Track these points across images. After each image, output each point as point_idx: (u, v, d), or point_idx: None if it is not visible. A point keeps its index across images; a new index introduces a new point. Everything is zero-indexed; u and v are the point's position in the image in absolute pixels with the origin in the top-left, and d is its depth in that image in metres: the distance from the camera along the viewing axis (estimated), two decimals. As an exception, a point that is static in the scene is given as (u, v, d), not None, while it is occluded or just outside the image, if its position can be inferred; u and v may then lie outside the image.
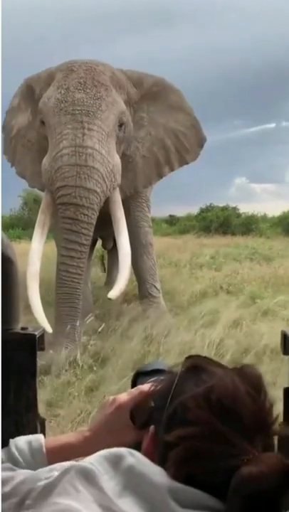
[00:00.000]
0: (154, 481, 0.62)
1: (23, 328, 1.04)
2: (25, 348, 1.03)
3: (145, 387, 0.86)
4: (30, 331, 1.03)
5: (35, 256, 4.70)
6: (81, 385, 3.81)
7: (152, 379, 0.88)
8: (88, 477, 0.62)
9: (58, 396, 3.66)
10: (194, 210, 24.74)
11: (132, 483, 0.62)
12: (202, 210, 24.40)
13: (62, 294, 4.69)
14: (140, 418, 0.83)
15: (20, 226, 20.63)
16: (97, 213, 4.70)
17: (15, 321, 1.04)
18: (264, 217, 23.96)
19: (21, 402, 1.09)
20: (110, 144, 4.80)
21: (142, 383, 0.91)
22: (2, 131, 5.98)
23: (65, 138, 4.60)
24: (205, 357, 0.77)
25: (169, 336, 4.89)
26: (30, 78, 5.61)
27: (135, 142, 5.48)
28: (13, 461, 0.81)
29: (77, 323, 4.63)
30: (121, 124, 5.02)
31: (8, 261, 0.99)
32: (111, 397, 0.89)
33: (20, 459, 0.82)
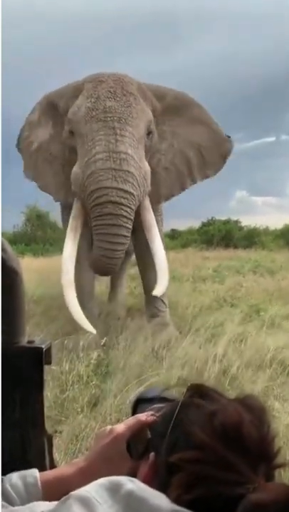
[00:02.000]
0: (155, 505, 0.60)
1: (29, 342, 1.04)
2: (32, 361, 1.02)
3: (142, 416, 0.86)
4: (37, 344, 1.03)
5: (68, 263, 4.78)
6: (84, 400, 3.77)
7: (152, 407, 0.88)
8: (87, 506, 0.61)
9: (61, 412, 3.63)
10: (196, 224, 24.80)
11: (132, 508, 0.61)
12: (204, 224, 24.46)
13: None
14: (137, 449, 0.82)
15: (24, 242, 20.71)
16: (134, 215, 4.70)
17: (21, 334, 1.03)
18: (266, 230, 23.98)
19: (27, 417, 1.07)
20: (141, 151, 4.86)
21: (143, 410, 0.90)
22: (17, 146, 5.99)
23: (98, 144, 4.64)
24: (207, 386, 0.76)
25: (173, 350, 4.86)
26: (51, 94, 5.69)
27: (158, 154, 5.54)
28: (6, 498, 0.79)
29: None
30: (149, 133, 5.10)
31: (13, 273, 0.99)
32: (108, 427, 0.88)
33: (15, 495, 0.80)
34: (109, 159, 4.57)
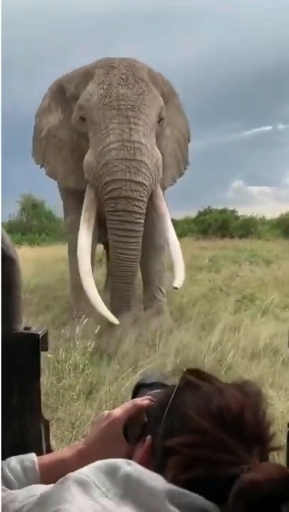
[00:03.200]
0: (153, 485, 0.62)
1: (26, 328, 1.04)
2: (29, 348, 1.03)
3: (139, 400, 0.87)
4: (33, 330, 1.03)
5: (84, 253, 4.87)
6: (81, 388, 3.80)
7: (151, 392, 0.90)
8: (85, 488, 0.62)
9: (58, 400, 3.66)
10: (192, 213, 24.73)
11: (130, 490, 0.62)
12: (200, 213, 24.39)
13: (122, 282, 4.98)
14: (134, 432, 0.84)
15: (19, 231, 20.62)
16: (146, 205, 4.82)
17: (17, 321, 1.04)
18: (262, 220, 23.93)
19: (25, 404, 1.08)
20: (153, 139, 4.92)
21: (142, 395, 0.91)
22: (33, 134, 5.99)
23: (112, 132, 4.67)
24: (204, 371, 0.77)
25: (169, 338, 4.89)
26: (60, 79, 5.67)
27: (164, 140, 5.61)
28: (5, 482, 0.81)
29: (134, 301, 5.18)
30: (160, 120, 5.14)
31: (10, 261, 0.99)
32: (106, 412, 0.90)
33: (13, 479, 0.81)
34: (123, 149, 4.62)
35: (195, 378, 0.74)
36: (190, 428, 0.66)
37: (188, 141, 6.21)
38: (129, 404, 0.88)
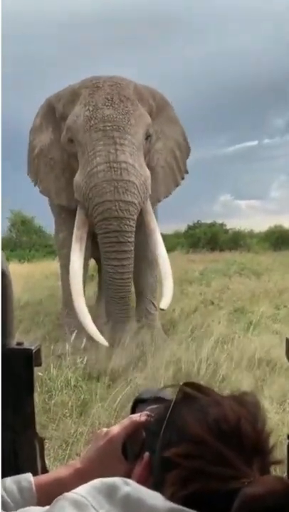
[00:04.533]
0: (152, 504, 0.60)
1: (18, 344, 1.03)
2: (22, 363, 1.01)
3: (137, 416, 0.86)
4: (26, 345, 1.02)
5: (77, 273, 4.92)
6: (74, 405, 3.75)
7: (149, 407, 0.88)
8: (81, 510, 0.60)
9: (49, 417, 3.60)
10: (182, 227, 24.89)
11: (130, 511, 0.60)
12: (190, 227, 24.58)
13: (118, 299, 5.01)
14: (133, 449, 0.83)
15: (9, 248, 20.52)
16: (136, 222, 4.89)
17: (10, 336, 1.02)
18: (251, 233, 24.18)
19: (18, 420, 1.06)
20: (140, 157, 4.97)
21: (140, 411, 0.90)
22: (28, 151, 6.03)
23: (99, 154, 4.73)
24: (200, 384, 0.76)
25: (161, 351, 4.86)
26: (51, 97, 5.73)
27: (156, 154, 5.65)
28: (1, 504, 0.79)
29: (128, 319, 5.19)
30: (147, 137, 5.18)
31: (2, 275, 0.98)
32: (104, 430, 0.88)
33: (9, 500, 0.79)
34: (110, 170, 4.68)
35: (192, 391, 0.73)
36: (187, 438, 0.65)
37: (188, 149, 6.21)
38: (126, 421, 0.87)
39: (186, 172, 6.19)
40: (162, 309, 5.10)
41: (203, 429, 0.65)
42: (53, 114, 5.60)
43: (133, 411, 0.98)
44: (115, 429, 0.86)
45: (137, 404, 0.98)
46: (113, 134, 4.76)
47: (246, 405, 0.69)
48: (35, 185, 5.90)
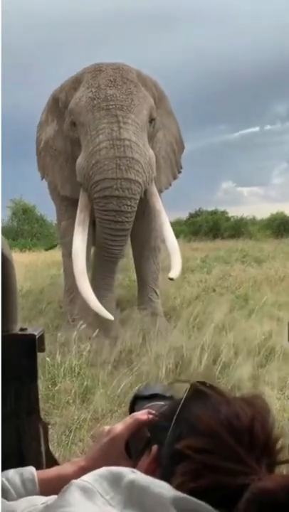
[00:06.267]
0: (158, 492, 0.60)
1: (22, 329, 1.03)
2: (25, 349, 1.02)
3: (140, 414, 0.87)
4: (29, 331, 1.02)
5: (79, 253, 4.87)
6: (77, 392, 3.78)
7: (149, 404, 0.89)
8: (89, 495, 0.61)
9: (53, 404, 3.64)
10: (183, 216, 24.81)
11: (135, 498, 0.61)
12: (191, 215, 24.49)
13: (104, 267, 5.12)
14: (136, 448, 0.83)
15: (10, 237, 20.50)
16: (138, 202, 4.82)
17: (13, 322, 1.03)
18: (253, 220, 24.08)
19: (22, 405, 1.07)
20: (144, 137, 4.90)
21: (140, 408, 0.91)
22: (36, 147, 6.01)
23: (102, 132, 4.66)
24: (211, 383, 0.77)
25: (163, 339, 4.89)
26: (55, 90, 5.69)
27: (158, 143, 5.60)
28: (3, 493, 0.79)
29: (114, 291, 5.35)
30: (151, 120, 5.13)
31: (6, 261, 0.98)
32: (106, 427, 0.89)
33: (12, 490, 0.80)
34: (113, 147, 4.61)
35: (204, 388, 0.74)
36: (200, 432, 0.65)
37: (183, 146, 6.22)
38: (129, 419, 0.87)
39: (181, 167, 6.19)
40: (171, 279, 5.05)
41: (216, 424, 0.65)
42: (57, 106, 5.57)
43: (132, 407, 0.98)
44: (118, 427, 0.87)
45: (136, 401, 0.98)
46: (116, 113, 4.71)
47: (256, 407, 0.69)
48: (42, 179, 5.89)
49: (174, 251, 5.12)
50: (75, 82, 5.23)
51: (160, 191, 5.73)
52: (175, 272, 4.98)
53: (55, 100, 5.64)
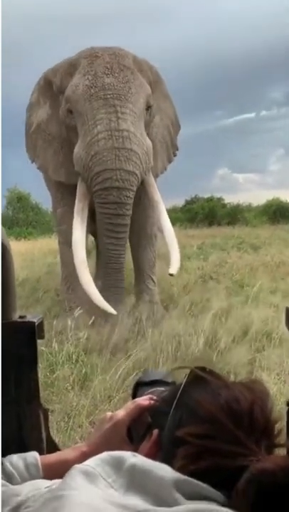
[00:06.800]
0: (160, 475, 0.62)
1: (21, 317, 1.03)
2: (25, 336, 1.02)
3: (142, 400, 0.88)
4: (28, 318, 1.03)
5: (79, 244, 4.87)
6: (75, 379, 3.81)
7: (151, 390, 0.90)
8: (91, 479, 0.62)
9: (52, 391, 3.66)
10: (179, 203, 24.78)
11: (136, 481, 0.62)
12: (187, 202, 24.48)
13: (111, 270, 5.01)
14: (137, 433, 0.85)
15: (6, 225, 20.42)
16: (134, 195, 4.83)
17: (12, 310, 1.03)
18: (249, 207, 24.11)
19: (22, 393, 1.08)
20: (142, 127, 4.89)
21: (142, 394, 0.92)
22: (25, 129, 5.92)
23: (100, 123, 4.64)
24: (211, 369, 0.78)
25: (161, 326, 4.91)
26: (48, 72, 5.58)
27: (155, 128, 5.57)
28: (7, 477, 0.80)
29: (123, 292, 5.23)
30: (148, 108, 5.10)
31: (5, 250, 0.98)
32: (108, 414, 0.91)
33: (16, 474, 0.81)
34: (111, 138, 4.60)
35: (203, 373, 0.75)
36: (200, 417, 0.66)
37: (179, 126, 6.19)
38: (131, 405, 0.89)
39: (177, 149, 6.16)
40: (171, 274, 5.08)
41: (216, 409, 0.66)
42: (50, 88, 5.49)
43: (134, 393, 0.99)
44: (120, 413, 0.89)
45: (138, 387, 0.99)
46: (114, 103, 4.69)
47: (256, 391, 0.70)
48: (32, 162, 5.81)
49: (172, 245, 5.14)
50: (71, 67, 5.16)
51: (156, 176, 5.71)
52: (174, 267, 5.01)
53: (47, 82, 5.55)
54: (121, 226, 4.85)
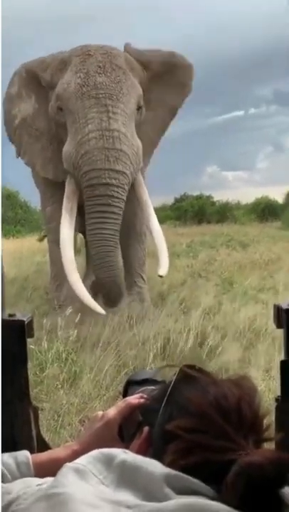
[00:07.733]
0: (150, 470, 0.62)
1: (10, 315, 1.03)
2: (15, 335, 1.02)
3: (133, 399, 0.89)
4: (18, 317, 1.02)
5: (68, 242, 4.82)
6: (65, 378, 3.80)
7: (141, 389, 0.91)
8: (82, 476, 0.62)
9: (41, 390, 3.65)
10: (169, 201, 24.79)
11: (126, 476, 0.63)
12: (176, 200, 24.49)
13: (102, 261, 4.73)
14: (128, 431, 0.85)
15: (-6, 223, 20.22)
16: (126, 193, 4.76)
17: (1, 308, 1.03)
18: (238, 205, 24.21)
19: (13, 391, 1.08)
20: (132, 127, 4.87)
21: (133, 392, 0.93)
22: (4, 121, 5.74)
23: (91, 122, 4.62)
24: (200, 367, 0.79)
25: (150, 323, 4.92)
26: (32, 65, 5.45)
27: (143, 126, 5.47)
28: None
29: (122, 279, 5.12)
30: (139, 108, 5.08)
31: (-8, 248, 0.98)
32: (99, 412, 0.92)
33: (7, 473, 0.81)
34: (102, 138, 4.58)
35: (192, 371, 0.76)
36: (190, 413, 0.67)
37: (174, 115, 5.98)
38: (122, 403, 0.89)
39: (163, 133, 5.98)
40: (161, 276, 5.10)
41: (206, 405, 0.67)
42: (36, 82, 5.40)
43: (125, 392, 1.00)
44: (111, 412, 0.90)
45: (129, 386, 1.00)
46: (106, 102, 4.67)
47: (244, 388, 0.71)
48: (17, 157, 5.73)
49: (160, 246, 5.14)
50: (62, 63, 5.11)
51: (142, 171, 5.57)
52: (164, 269, 5.02)
53: (31, 75, 5.43)
54: (109, 214, 4.67)
